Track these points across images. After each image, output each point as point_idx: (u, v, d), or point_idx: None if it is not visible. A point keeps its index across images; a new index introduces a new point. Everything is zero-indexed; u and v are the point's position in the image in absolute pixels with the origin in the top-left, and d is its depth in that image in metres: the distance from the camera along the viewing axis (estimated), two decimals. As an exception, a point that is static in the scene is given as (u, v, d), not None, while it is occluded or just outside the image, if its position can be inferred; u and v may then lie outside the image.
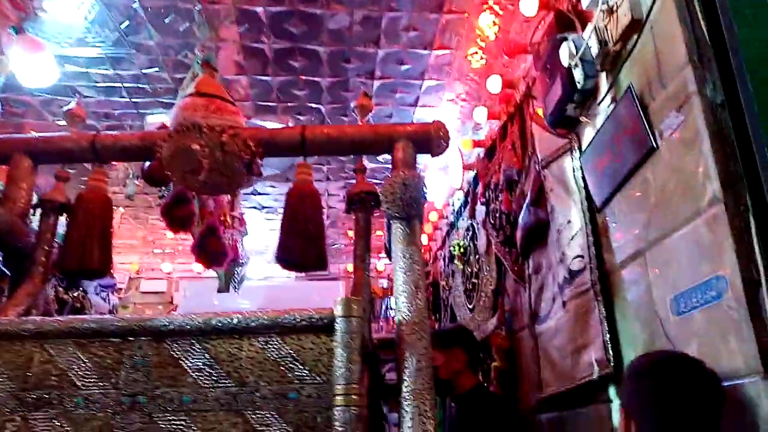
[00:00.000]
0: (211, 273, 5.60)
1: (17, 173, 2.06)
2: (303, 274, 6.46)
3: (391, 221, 1.86)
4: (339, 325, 1.52)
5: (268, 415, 1.48)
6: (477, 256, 3.66)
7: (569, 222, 2.20)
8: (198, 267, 6.04)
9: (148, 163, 2.35)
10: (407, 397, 1.49)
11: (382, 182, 1.85)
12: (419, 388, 1.50)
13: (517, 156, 2.81)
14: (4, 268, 2.76)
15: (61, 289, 3.26)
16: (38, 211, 2.08)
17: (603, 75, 1.97)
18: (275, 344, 1.54)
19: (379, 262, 6.29)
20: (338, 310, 1.53)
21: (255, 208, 4.90)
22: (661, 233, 1.63)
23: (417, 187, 1.79)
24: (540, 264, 2.51)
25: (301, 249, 1.96)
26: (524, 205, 2.54)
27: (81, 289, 3.36)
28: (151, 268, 6.06)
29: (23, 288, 1.92)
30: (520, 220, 2.58)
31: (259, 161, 2.07)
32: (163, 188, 2.46)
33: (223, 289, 4.40)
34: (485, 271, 3.47)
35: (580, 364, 2.07)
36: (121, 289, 5.55)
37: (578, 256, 2.10)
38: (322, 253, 2.00)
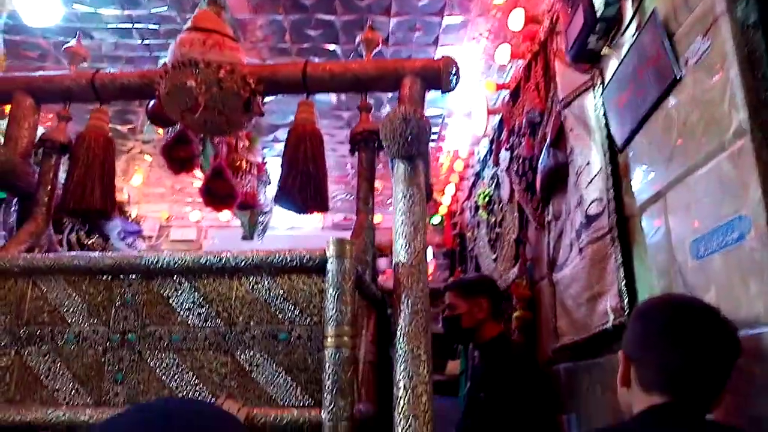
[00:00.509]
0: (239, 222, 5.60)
1: (19, 112, 2.04)
2: (330, 224, 6.46)
3: (392, 161, 1.77)
4: (331, 266, 1.45)
5: (257, 356, 1.44)
6: (500, 205, 3.55)
7: (588, 164, 2.06)
8: (225, 215, 6.08)
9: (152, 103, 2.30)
10: (402, 340, 1.43)
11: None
12: (414, 331, 1.44)
13: (540, 97, 2.65)
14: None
15: (82, 234, 3.30)
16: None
17: (629, 1, 1.80)
18: (265, 284, 1.49)
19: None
20: (330, 251, 1.47)
21: (279, 156, 4.84)
22: (682, 172, 1.50)
23: (419, 123, 1.68)
24: (560, 210, 2.38)
25: (301, 189, 1.89)
26: (544, 148, 2.40)
27: (101, 234, 3.39)
28: (181, 217, 6.12)
29: (25, 227, 1.92)
30: (539, 163, 2.45)
31: (259, 99, 1.99)
32: (170, 129, 2.41)
33: (247, 236, 4.41)
34: (508, 220, 3.36)
35: (596, 312, 1.97)
36: (151, 236, 5.64)
37: (596, 200, 1.97)
38: (323, 193, 1.93)
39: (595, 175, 1.99)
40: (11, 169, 1.94)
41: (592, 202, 1.99)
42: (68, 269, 1.51)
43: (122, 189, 5.11)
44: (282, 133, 4.38)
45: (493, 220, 3.70)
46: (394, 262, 1.60)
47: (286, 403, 1.40)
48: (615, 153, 1.91)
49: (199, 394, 1.42)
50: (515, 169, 3.08)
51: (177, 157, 2.14)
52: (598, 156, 1.99)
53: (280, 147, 4.74)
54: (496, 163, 3.53)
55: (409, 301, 1.48)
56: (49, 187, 2.01)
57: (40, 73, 2.13)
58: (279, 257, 1.48)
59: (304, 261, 1.47)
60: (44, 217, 1.97)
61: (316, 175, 1.91)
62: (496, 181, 3.66)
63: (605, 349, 1.97)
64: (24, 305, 1.51)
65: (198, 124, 1.96)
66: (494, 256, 3.65)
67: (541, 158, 2.43)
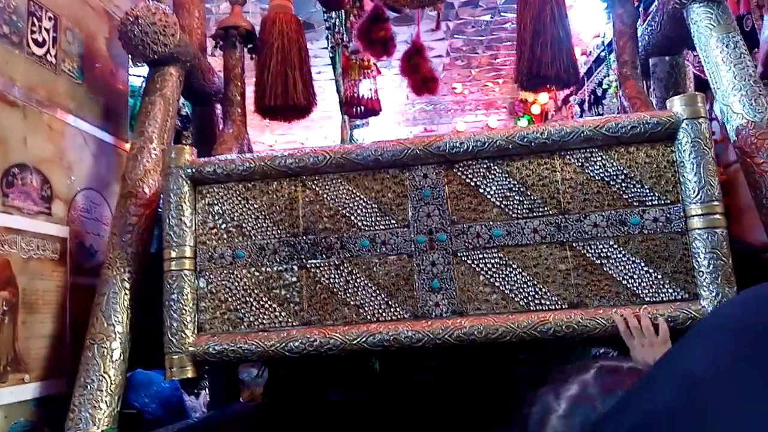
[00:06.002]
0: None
1: (186, -4, 1.70)
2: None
3: (686, 7, 1.42)
4: (684, 130, 1.16)
5: (604, 247, 1.17)
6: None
7: None
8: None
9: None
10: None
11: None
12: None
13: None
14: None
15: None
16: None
17: None
18: (598, 160, 1.20)
19: (489, 119, 5.81)
20: (681, 110, 1.17)
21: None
22: None
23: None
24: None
25: (553, 60, 1.56)
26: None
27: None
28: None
29: (227, 132, 1.63)
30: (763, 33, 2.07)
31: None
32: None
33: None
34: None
35: None
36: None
37: None
38: (575, 62, 1.61)
39: None
40: (193, 63, 1.62)
41: None
42: (345, 164, 1.22)
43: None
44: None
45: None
46: (732, 126, 1.29)
47: (653, 299, 1.15)
48: None
49: (540, 297, 1.16)
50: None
51: (376, 38, 1.81)
52: None
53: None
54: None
55: (781, 167, 1.18)
56: (239, 83, 1.70)
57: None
58: (616, 125, 1.18)
59: (647, 127, 1.17)
60: (242, 118, 1.67)
61: (565, 40, 1.58)
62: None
63: None
64: (297, 211, 1.24)
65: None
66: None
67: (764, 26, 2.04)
